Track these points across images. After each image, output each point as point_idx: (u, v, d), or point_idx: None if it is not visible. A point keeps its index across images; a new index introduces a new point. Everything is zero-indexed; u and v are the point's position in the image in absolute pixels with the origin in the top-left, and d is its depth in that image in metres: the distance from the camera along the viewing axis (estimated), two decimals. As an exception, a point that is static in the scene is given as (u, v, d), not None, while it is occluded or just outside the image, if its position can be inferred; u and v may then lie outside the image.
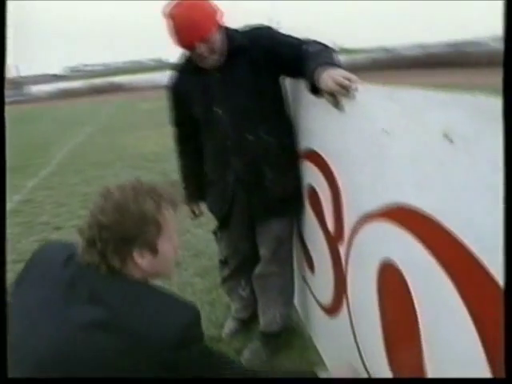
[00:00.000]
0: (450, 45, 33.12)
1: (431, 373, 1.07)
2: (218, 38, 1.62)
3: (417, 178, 0.97)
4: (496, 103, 0.71)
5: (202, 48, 1.58)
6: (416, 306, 1.08)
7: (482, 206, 0.79)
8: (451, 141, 0.82)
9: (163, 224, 1.07)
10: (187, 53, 1.71)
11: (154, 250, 1.05)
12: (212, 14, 1.61)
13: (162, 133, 8.94)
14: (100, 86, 29.87)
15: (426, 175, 0.93)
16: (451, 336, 0.95)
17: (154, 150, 7.57)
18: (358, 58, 31.92)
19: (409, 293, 1.09)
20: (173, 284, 2.81)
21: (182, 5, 1.57)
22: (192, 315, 1.01)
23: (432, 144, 0.88)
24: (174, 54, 1.87)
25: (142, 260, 1.03)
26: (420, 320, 1.07)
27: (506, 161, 0.45)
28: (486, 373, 0.85)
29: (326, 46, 1.54)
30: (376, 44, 46.44)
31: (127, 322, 0.93)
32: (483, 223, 0.79)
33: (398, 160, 1.04)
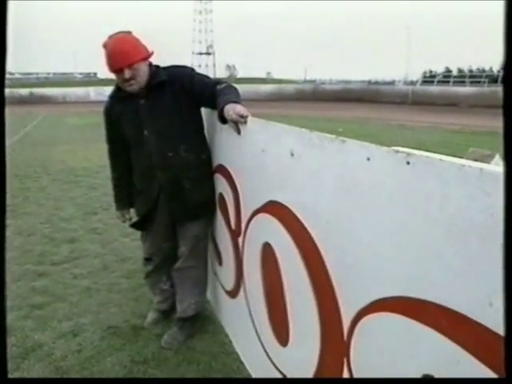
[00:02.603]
0: (368, 83, 36.48)
1: (292, 322, 1.54)
2: (142, 68, 2.03)
3: (279, 181, 1.47)
4: (312, 135, 1.22)
5: (126, 73, 1.98)
6: (281, 272, 1.55)
7: (312, 197, 1.28)
8: (293, 155, 1.32)
9: None
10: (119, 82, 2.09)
11: None
12: (140, 48, 2.05)
13: (90, 148, 8.97)
14: (24, 97, 28.35)
15: (283, 178, 1.43)
16: (298, 288, 1.43)
17: (82, 164, 7.60)
18: (287, 87, 34.04)
19: (277, 264, 1.57)
20: (101, 285, 3.08)
21: (116, 37, 2.01)
22: None
23: (285, 158, 1.38)
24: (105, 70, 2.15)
25: None
26: (284, 282, 1.55)
27: (507, 162, 0.47)
28: (314, 314, 1.33)
29: (232, 86, 2.03)
30: (303, 76, 49.18)
31: None
32: (316, 210, 1.28)
33: (269, 169, 1.54)
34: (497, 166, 0.76)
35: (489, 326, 0.75)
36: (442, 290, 0.86)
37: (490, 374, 0.75)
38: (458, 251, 0.81)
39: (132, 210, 2.50)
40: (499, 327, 0.73)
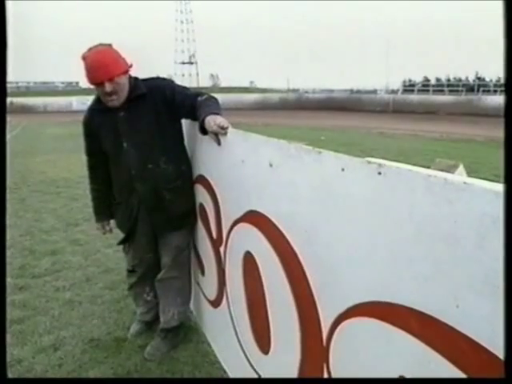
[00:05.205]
0: (350, 92, 37.10)
1: (273, 329, 1.56)
2: (123, 82, 2.03)
3: (258, 191, 1.50)
4: (290, 146, 1.26)
5: (107, 86, 1.98)
6: (263, 281, 1.57)
7: (291, 207, 1.32)
8: (271, 165, 1.36)
9: None
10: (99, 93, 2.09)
11: None
12: (120, 61, 2.05)
13: (72, 158, 8.86)
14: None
15: (262, 188, 1.46)
16: (280, 296, 1.45)
17: (63, 175, 7.51)
18: (271, 96, 34.36)
19: (259, 272, 1.59)
20: (84, 297, 3.04)
21: (96, 50, 2.00)
22: None
23: (264, 168, 1.41)
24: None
25: None
26: (265, 290, 1.57)
27: (507, 164, 0.47)
28: (295, 321, 1.35)
29: (212, 98, 2.06)
30: (286, 86, 49.38)
31: None
32: (295, 219, 1.31)
33: (249, 180, 1.57)
34: (460, 176, 0.81)
35: (455, 327, 0.78)
36: (412, 294, 0.90)
37: (457, 372, 0.79)
38: (426, 256, 0.85)
39: (112, 222, 2.49)
40: (465, 327, 0.77)
